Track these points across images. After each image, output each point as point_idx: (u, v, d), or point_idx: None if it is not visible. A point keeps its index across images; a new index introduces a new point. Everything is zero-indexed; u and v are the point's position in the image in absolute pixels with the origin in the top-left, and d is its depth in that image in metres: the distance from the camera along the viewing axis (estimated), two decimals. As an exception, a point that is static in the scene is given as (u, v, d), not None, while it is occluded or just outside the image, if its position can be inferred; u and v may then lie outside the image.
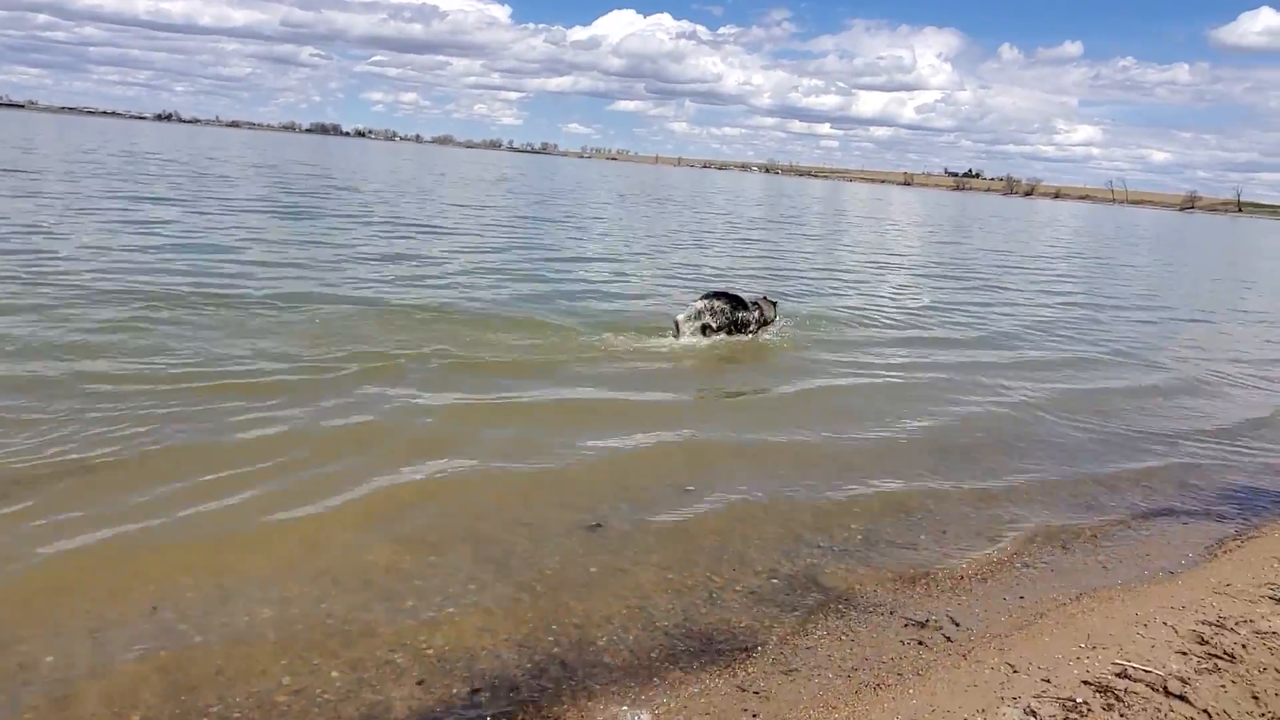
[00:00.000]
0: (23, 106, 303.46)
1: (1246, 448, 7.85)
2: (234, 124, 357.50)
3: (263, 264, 12.98)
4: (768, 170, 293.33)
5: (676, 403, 7.84)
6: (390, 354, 8.24)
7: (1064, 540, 5.32)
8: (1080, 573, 4.86)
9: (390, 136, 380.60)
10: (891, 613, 4.21)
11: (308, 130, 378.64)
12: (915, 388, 9.04)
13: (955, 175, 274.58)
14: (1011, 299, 17.06)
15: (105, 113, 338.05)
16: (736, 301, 10.47)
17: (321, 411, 6.46)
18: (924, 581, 4.59)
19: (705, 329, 10.16)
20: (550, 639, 3.81)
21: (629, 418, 7.13)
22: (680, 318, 10.20)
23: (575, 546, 4.68)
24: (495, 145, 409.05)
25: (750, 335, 10.47)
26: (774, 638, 3.93)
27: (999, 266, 24.37)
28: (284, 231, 17.65)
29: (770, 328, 10.78)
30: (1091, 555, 5.14)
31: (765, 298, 11.03)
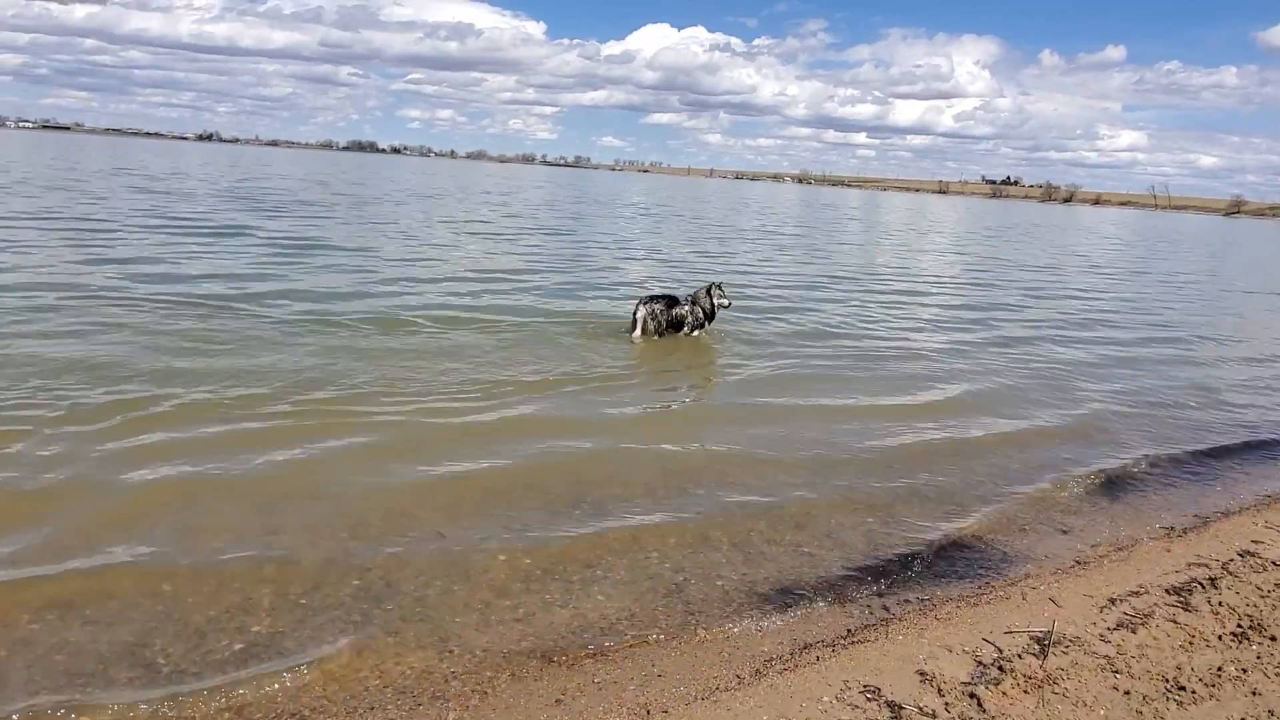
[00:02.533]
0: (69, 129, 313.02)
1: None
2: (273, 143, 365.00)
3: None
4: (800, 180, 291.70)
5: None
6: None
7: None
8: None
9: (425, 153, 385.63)
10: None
11: (344, 148, 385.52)
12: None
13: (993, 183, 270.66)
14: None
15: (149, 134, 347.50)
16: (670, 301, 10.50)
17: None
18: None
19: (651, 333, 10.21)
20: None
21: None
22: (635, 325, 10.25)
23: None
24: (529, 159, 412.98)
25: (691, 330, 10.42)
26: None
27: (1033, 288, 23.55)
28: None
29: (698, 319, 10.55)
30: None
31: (714, 285, 10.76)
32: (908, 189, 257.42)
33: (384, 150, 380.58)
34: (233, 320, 9.34)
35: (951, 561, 4.69)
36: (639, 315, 10.10)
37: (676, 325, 10.34)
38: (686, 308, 10.39)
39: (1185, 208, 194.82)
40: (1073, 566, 4.58)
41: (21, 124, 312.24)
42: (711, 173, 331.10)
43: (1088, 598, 4.11)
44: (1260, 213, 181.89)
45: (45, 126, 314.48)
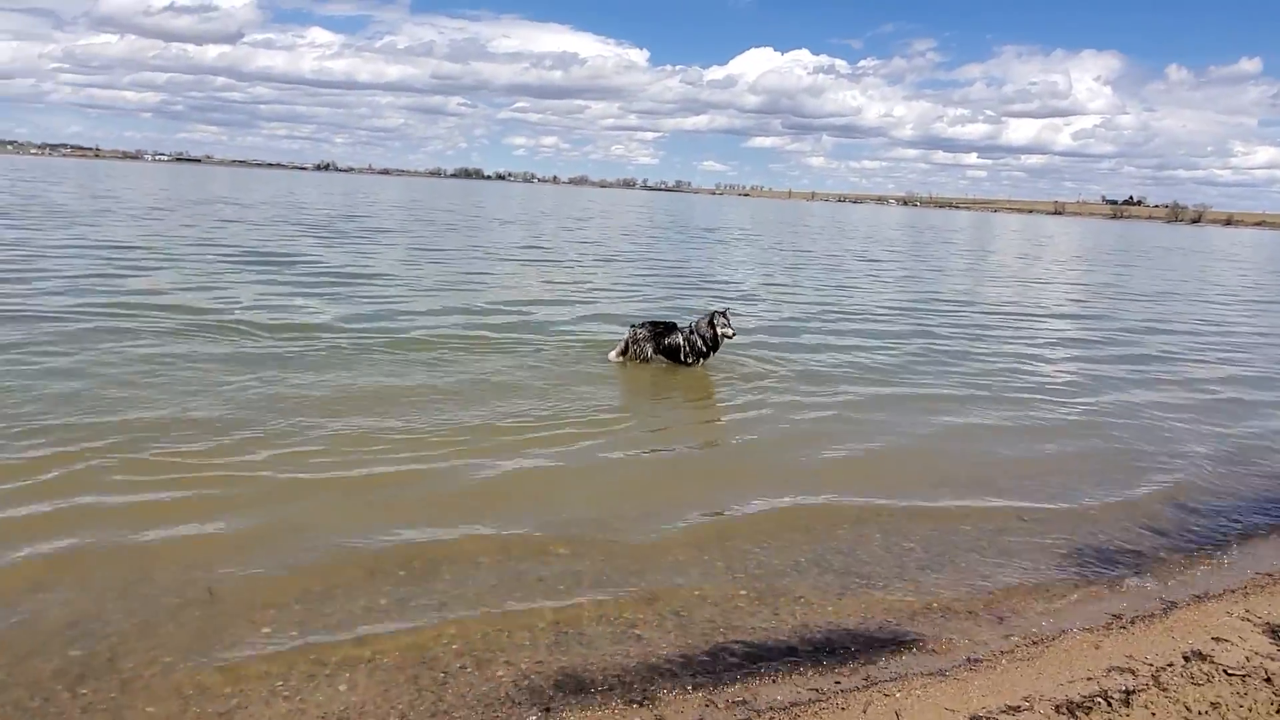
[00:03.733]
0: (200, 161, 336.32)
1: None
2: (385, 171, 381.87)
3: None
4: (905, 202, 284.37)
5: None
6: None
7: None
8: None
9: (528, 179, 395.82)
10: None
11: (452, 175, 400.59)
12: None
13: (1113, 203, 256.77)
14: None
15: (271, 164, 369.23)
16: (664, 328, 9.99)
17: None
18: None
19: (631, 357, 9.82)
20: None
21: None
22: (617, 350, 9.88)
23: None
24: (629, 184, 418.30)
25: (690, 360, 9.71)
26: None
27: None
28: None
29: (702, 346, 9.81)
30: None
31: (718, 313, 9.89)
32: (1020, 210, 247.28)
33: (489, 177, 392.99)
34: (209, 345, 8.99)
35: (832, 653, 3.65)
36: (625, 338, 9.80)
37: (670, 354, 9.75)
38: (681, 337, 9.75)
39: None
40: (959, 667, 3.47)
41: (158, 157, 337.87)
42: (813, 196, 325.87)
43: (948, 712, 3.05)
44: None
45: (179, 159, 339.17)
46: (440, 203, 58.96)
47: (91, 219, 24.12)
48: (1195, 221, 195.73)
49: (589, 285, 16.10)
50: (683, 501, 5.29)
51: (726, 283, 17.97)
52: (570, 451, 6.12)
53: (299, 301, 11.85)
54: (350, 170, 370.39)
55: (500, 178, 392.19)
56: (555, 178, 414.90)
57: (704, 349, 9.72)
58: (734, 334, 9.88)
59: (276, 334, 9.51)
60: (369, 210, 42.02)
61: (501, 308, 12.34)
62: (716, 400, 8.36)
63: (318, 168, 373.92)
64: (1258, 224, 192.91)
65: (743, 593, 4.14)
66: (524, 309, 12.38)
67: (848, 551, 4.66)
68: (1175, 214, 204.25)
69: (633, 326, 9.96)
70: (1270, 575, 4.42)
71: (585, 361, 9.36)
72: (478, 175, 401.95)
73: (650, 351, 9.81)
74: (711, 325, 9.77)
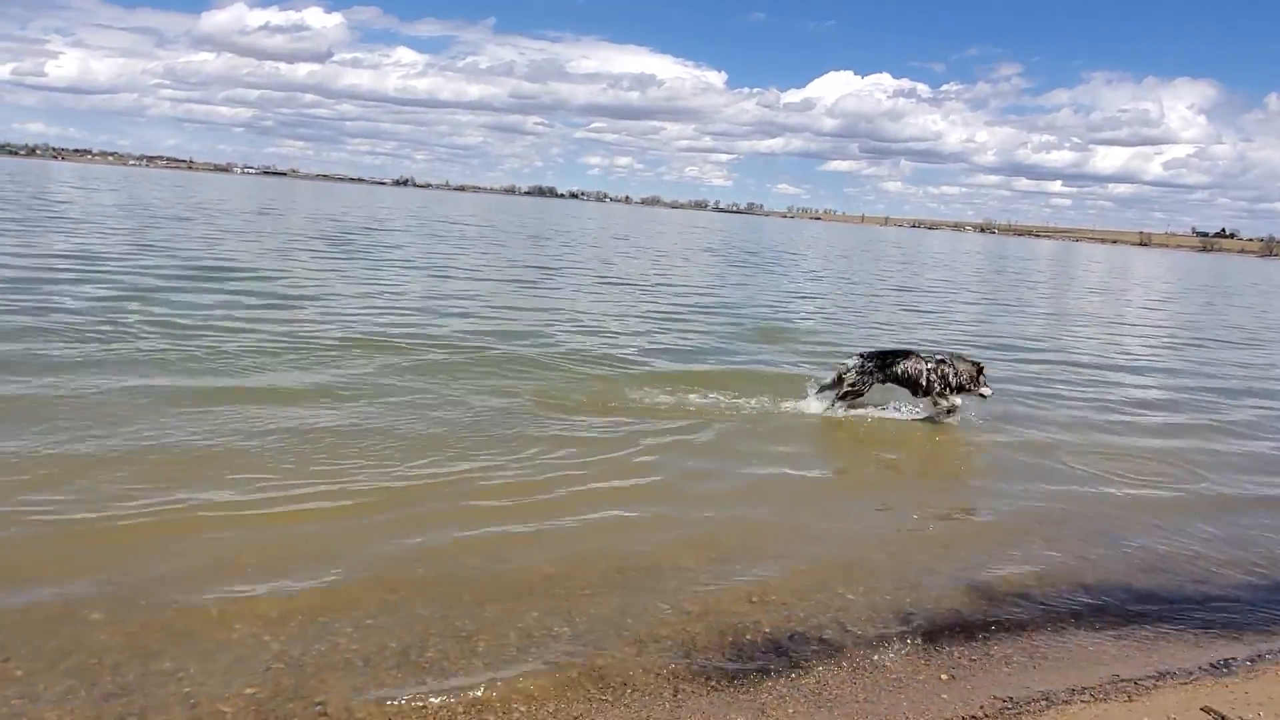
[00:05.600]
0: (285, 174, 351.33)
1: None
2: (461, 188, 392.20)
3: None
4: (983, 229, 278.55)
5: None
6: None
7: None
8: None
9: (601, 198, 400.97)
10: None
11: (526, 193, 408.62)
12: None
13: (1204, 235, 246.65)
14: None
15: (353, 179, 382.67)
16: (886, 356, 9.63)
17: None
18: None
19: (839, 395, 9.56)
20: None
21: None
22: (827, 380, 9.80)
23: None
24: (701, 206, 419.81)
25: (935, 401, 9.38)
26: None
27: None
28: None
29: (955, 399, 9.36)
30: None
31: (962, 357, 9.64)
32: (1104, 240, 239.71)
33: (562, 195, 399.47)
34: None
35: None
36: (840, 370, 9.66)
37: (907, 383, 9.45)
38: (924, 365, 9.35)
39: None
40: None
41: (246, 170, 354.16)
42: (886, 221, 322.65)
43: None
44: None
45: (266, 172, 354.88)
46: (507, 218, 61.09)
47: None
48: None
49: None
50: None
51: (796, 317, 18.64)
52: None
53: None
54: (428, 186, 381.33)
55: (574, 196, 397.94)
56: (627, 197, 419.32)
57: (953, 386, 9.27)
58: (990, 394, 9.48)
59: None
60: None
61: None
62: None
63: (396, 183, 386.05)
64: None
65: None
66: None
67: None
68: (1270, 248, 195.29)
69: (859, 356, 9.64)
70: (1117, 679, 5.03)
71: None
72: (551, 193, 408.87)
73: (869, 384, 9.43)
74: (978, 372, 9.37)
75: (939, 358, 9.49)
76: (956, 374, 9.31)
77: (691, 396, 9.80)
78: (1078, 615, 5.20)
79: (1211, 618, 5.30)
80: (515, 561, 5.39)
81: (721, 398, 9.79)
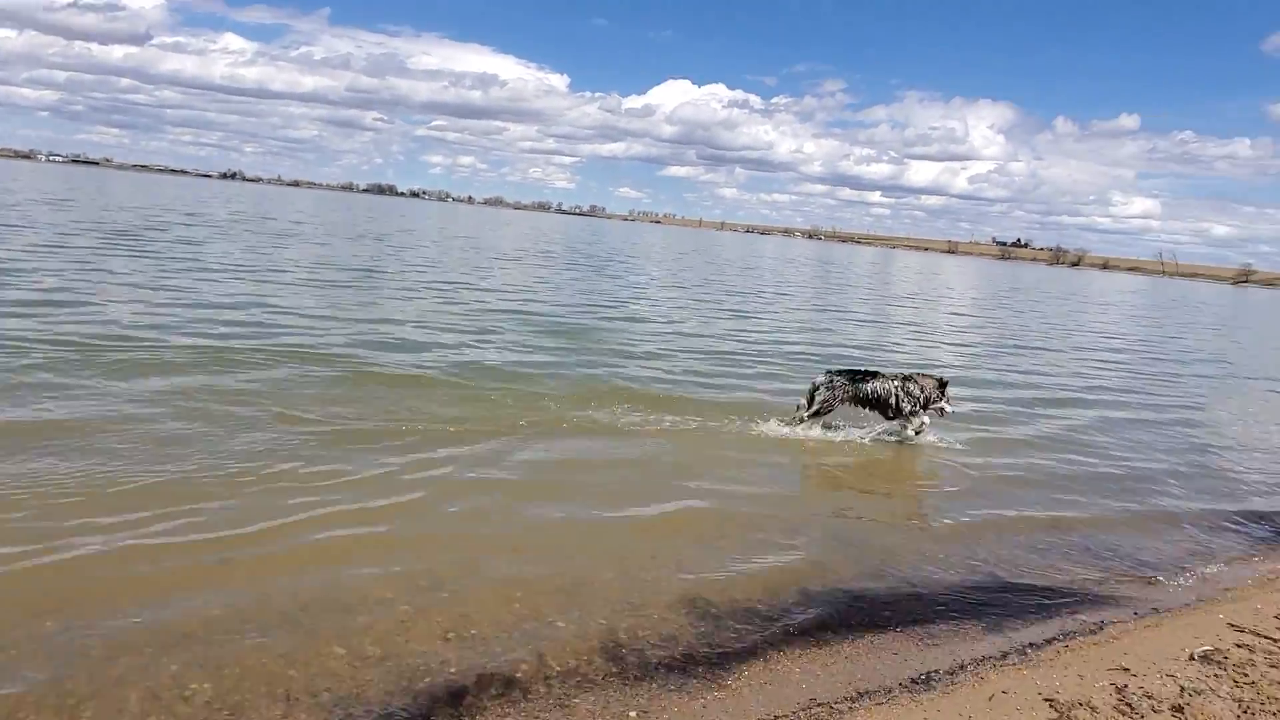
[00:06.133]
0: (99, 164, 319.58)
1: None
2: (295, 183, 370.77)
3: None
4: (811, 235, 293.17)
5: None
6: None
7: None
8: None
9: (443, 197, 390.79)
10: None
11: (364, 190, 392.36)
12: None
13: (1003, 244, 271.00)
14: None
15: (174, 171, 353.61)
16: (856, 374, 9.57)
17: None
18: None
19: (815, 412, 9.47)
20: None
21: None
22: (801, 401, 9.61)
23: None
24: (544, 207, 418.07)
25: (898, 419, 9.42)
26: None
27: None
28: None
29: (924, 416, 9.44)
30: None
31: (928, 375, 9.70)
32: (918, 247, 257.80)
33: (403, 194, 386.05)
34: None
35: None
36: (811, 387, 9.54)
37: (874, 404, 9.43)
38: (892, 385, 9.36)
39: (1194, 275, 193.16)
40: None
41: (53, 158, 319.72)
42: (723, 225, 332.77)
43: None
44: (1270, 282, 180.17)
45: (75, 161, 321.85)
46: (332, 216, 57.68)
47: None
48: (1075, 264, 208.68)
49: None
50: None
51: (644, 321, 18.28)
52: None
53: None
54: (258, 180, 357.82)
55: (415, 195, 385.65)
56: (470, 197, 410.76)
57: (920, 403, 9.32)
58: (939, 402, 9.51)
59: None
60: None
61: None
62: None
63: (223, 176, 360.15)
64: (1131, 269, 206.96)
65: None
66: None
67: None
68: (1057, 257, 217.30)
69: (828, 373, 9.59)
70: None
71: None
72: (391, 191, 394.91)
73: (837, 400, 9.41)
74: (942, 389, 9.46)
75: (904, 375, 9.56)
76: (923, 390, 9.38)
77: (477, 408, 9.25)
78: (796, 632, 5.06)
79: (927, 628, 5.31)
80: (179, 605, 4.65)
81: (510, 407, 9.30)
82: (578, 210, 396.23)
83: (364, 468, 7.07)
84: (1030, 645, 5.08)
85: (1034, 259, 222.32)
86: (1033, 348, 21.89)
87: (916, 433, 9.51)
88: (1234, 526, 7.89)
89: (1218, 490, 9.13)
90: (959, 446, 9.58)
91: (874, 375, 9.59)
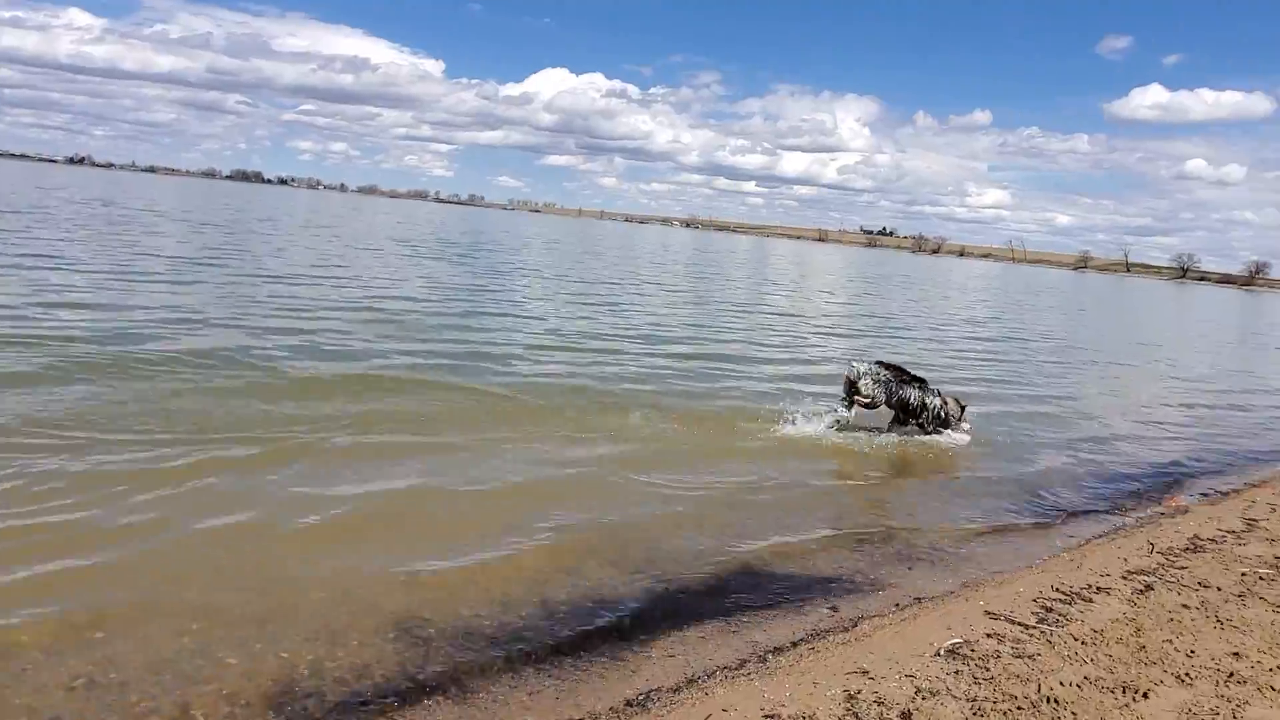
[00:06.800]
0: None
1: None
2: (151, 169, 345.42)
3: None
4: (689, 225, 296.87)
5: None
6: None
7: None
8: None
9: (314, 185, 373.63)
10: None
11: (228, 177, 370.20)
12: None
13: (869, 233, 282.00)
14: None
15: (14, 155, 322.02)
16: (901, 373, 9.46)
17: None
18: None
19: (853, 399, 9.25)
20: None
21: None
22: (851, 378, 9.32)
23: None
24: (422, 196, 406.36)
25: (918, 427, 9.43)
26: None
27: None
28: None
29: (949, 432, 9.50)
30: None
31: (953, 396, 9.75)
32: (791, 235, 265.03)
33: (270, 181, 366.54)
34: None
35: None
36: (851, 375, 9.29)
37: (906, 410, 9.40)
38: (931, 396, 9.41)
39: (1039, 261, 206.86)
40: None
41: None
42: (602, 214, 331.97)
43: None
44: (1104, 268, 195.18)
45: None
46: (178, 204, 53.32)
47: None
48: (935, 252, 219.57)
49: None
50: None
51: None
52: None
53: None
54: (110, 165, 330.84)
55: (283, 182, 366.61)
56: (343, 185, 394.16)
57: (939, 421, 9.41)
58: (958, 421, 9.63)
59: None
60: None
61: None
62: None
63: (71, 160, 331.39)
64: (985, 256, 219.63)
65: None
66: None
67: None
68: (919, 245, 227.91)
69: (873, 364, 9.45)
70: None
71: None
72: (258, 178, 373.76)
73: (882, 399, 9.25)
74: (961, 409, 9.55)
75: (936, 390, 9.59)
76: (945, 408, 9.46)
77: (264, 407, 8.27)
78: (516, 655, 4.46)
79: (672, 637, 4.84)
80: None
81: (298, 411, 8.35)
82: (456, 199, 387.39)
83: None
84: (774, 650, 4.67)
85: (898, 247, 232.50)
86: (910, 336, 22.28)
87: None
88: (1016, 506, 7.84)
89: (1014, 468, 9.16)
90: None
91: (917, 380, 9.63)
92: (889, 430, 9.46)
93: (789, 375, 13.52)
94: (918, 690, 4.17)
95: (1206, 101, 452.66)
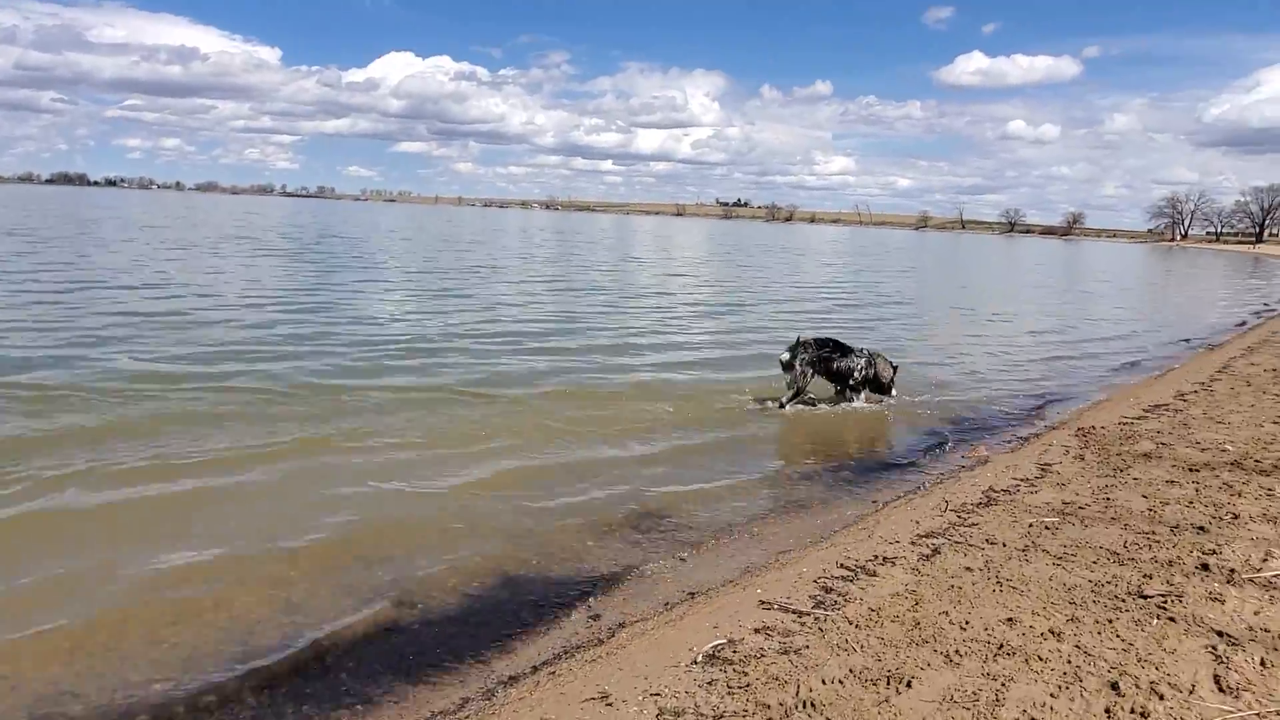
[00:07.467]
0: None
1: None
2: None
3: None
4: (548, 206, 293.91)
5: None
6: None
7: None
8: None
9: (146, 184, 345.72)
10: None
11: (48, 181, 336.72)
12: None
13: (725, 205, 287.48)
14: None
15: None
16: (833, 345, 9.61)
17: None
18: None
19: (787, 363, 9.40)
20: None
21: None
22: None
23: None
24: (267, 190, 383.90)
25: (851, 392, 9.62)
26: None
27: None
28: None
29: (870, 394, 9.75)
30: None
31: (882, 356, 9.79)
32: (650, 212, 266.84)
33: (98, 183, 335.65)
34: None
35: None
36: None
37: (839, 379, 9.64)
38: (861, 361, 9.57)
39: (884, 223, 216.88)
40: None
41: None
42: (460, 201, 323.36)
43: None
44: (942, 227, 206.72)
45: None
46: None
47: None
48: (788, 219, 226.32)
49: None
50: None
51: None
52: None
53: None
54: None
55: (111, 183, 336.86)
56: (179, 183, 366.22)
57: (865, 381, 9.59)
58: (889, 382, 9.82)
59: None
60: None
61: None
62: None
63: None
64: (834, 221, 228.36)
65: None
66: None
67: None
68: (773, 214, 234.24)
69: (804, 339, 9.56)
70: None
71: None
72: (83, 181, 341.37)
73: (810, 376, 9.42)
74: (890, 366, 9.73)
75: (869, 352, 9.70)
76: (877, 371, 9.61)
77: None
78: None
79: (420, 677, 4.08)
80: None
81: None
82: (304, 192, 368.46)
83: None
84: (510, 679, 3.98)
85: (753, 217, 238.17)
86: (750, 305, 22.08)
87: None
88: (810, 473, 7.46)
89: (810, 431, 8.85)
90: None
91: (845, 349, 9.69)
92: (838, 402, 9.71)
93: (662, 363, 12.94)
94: (660, 712, 3.58)
95: (1022, 66, 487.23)
